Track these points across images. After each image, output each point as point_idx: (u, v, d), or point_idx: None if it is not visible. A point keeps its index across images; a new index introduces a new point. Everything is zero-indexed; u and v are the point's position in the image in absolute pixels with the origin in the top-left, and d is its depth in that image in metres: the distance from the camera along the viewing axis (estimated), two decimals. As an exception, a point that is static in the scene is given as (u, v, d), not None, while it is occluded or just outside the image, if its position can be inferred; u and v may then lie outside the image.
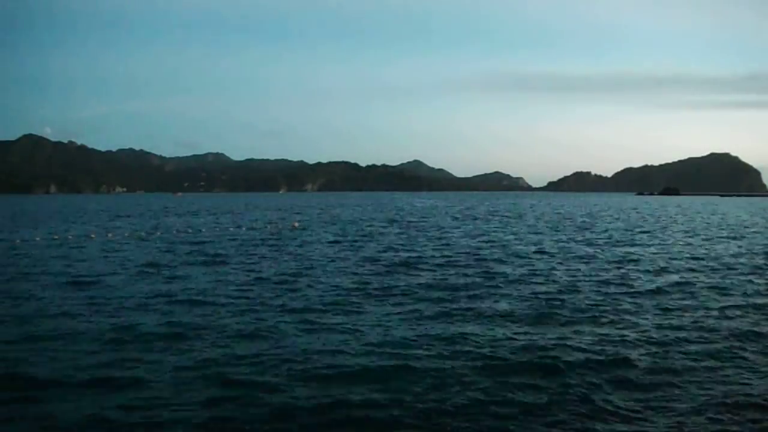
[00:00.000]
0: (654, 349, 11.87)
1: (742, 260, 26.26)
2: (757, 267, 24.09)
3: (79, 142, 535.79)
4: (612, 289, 18.59)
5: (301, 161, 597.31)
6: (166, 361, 11.08)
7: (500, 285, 19.30)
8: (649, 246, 32.95)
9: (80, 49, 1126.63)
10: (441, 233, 42.61)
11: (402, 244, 33.59)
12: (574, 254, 28.42)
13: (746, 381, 10.08)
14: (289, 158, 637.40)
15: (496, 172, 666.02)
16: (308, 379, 10.07)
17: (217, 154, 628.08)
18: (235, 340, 12.51)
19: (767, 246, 33.18)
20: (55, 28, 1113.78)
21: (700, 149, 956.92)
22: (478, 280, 20.33)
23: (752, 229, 47.17)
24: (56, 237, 38.89)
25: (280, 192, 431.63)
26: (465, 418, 8.52)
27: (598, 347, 11.94)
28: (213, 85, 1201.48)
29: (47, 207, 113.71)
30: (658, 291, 18.15)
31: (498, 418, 8.54)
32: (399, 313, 14.99)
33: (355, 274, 21.96)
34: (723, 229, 46.99)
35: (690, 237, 39.65)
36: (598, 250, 30.23)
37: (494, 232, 44.18)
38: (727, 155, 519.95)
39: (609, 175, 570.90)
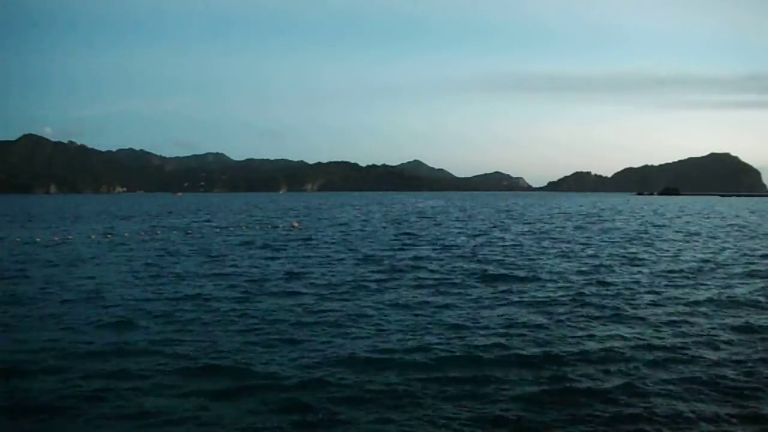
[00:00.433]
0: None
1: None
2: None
3: (79, 142, 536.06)
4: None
5: (301, 161, 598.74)
6: (169, 358, 11.13)
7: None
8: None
9: (80, 49, 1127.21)
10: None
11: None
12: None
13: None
14: (289, 158, 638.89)
15: (496, 172, 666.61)
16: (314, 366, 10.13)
17: (217, 154, 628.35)
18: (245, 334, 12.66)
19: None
20: (55, 28, 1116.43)
21: (700, 149, 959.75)
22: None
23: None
24: (56, 237, 38.90)
25: (280, 192, 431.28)
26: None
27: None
28: (213, 85, 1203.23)
29: (47, 207, 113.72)
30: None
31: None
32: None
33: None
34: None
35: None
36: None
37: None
38: (727, 155, 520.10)
39: (609, 175, 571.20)
